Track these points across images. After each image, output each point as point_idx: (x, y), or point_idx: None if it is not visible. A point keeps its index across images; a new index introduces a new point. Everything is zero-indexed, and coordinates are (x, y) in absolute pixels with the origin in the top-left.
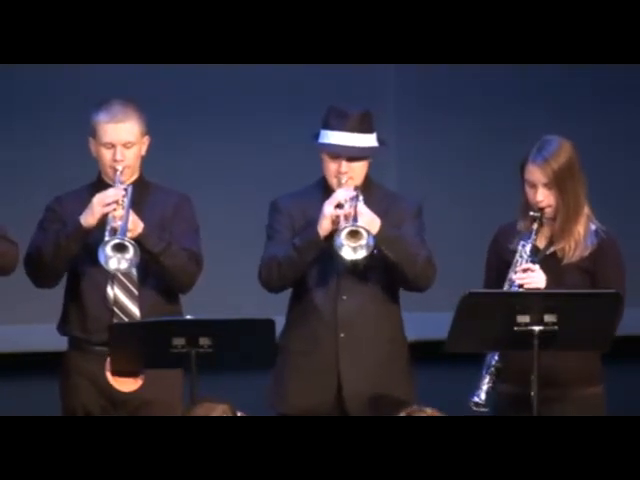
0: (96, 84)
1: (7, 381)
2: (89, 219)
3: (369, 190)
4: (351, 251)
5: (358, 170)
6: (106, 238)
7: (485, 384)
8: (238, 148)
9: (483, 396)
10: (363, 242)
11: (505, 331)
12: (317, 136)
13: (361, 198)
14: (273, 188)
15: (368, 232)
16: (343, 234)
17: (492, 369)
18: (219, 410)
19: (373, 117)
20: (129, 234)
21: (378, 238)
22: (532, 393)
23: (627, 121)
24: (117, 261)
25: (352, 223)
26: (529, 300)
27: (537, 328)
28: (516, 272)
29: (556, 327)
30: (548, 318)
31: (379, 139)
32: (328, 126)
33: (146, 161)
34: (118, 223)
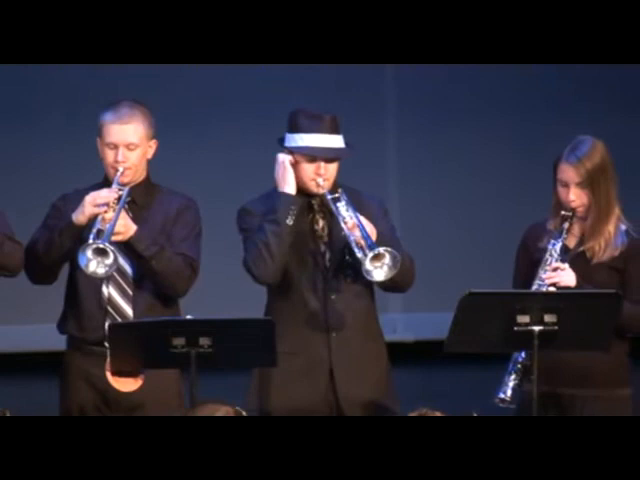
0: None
1: (7, 381)
2: (80, 217)
3: (340, 191)
4: (381, 271)
5: (333, 171)
6: (89, 241)
7: (511, 380)
8: (238, 149)
9: (509, 392)
10: (386, 260)
11: (505, 331)
12: (282, 140)
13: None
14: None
15: (389, 251)
16: (367, 262)
17: (519, 366)
18: (222, 412)
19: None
20: (119, 237)
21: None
22: (534, 392)
23: (628, 123)
24: (96, 264)
25: (374, 248)
26: (529, 300)
27: (537, 328)
28: (546, 271)
29: (556, 327)
30: (548, 318)
31: (345, 142)
32: (300, 129)
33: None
34: (106, 226)
